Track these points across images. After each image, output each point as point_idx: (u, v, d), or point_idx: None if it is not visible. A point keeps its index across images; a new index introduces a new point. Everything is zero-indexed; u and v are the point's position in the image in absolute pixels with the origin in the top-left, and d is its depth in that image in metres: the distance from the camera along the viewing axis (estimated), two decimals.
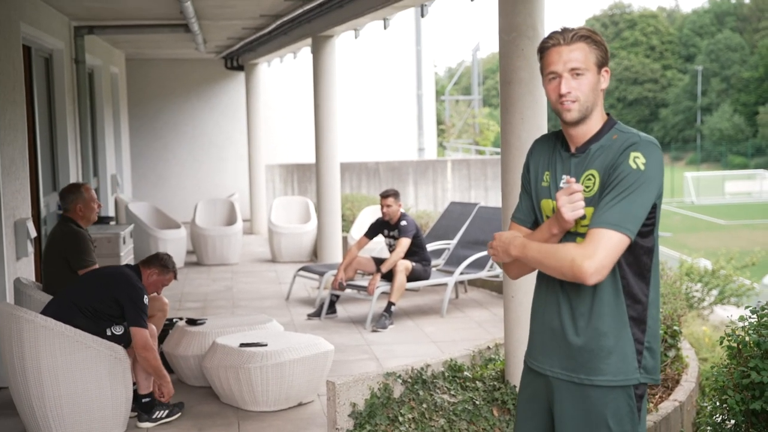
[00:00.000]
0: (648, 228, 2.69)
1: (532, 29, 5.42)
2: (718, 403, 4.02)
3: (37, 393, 5.12)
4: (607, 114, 2.81)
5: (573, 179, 2.74)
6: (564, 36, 2.76)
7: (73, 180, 9.53)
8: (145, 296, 5.38)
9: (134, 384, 5.55)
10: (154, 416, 5.55)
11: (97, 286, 5.37)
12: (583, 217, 2.71)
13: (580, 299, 2.74)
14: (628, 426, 2.72)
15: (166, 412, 5.60)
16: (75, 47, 9.99)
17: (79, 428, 5.23)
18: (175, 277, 5.78)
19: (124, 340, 5.40)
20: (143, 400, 5.55)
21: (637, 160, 2.61)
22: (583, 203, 2.68)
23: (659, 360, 2.77)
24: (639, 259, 2.70)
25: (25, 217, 6.99)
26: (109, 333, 5.35)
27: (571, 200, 2.67)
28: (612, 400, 2.71)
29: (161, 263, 5.66)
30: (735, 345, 4.07)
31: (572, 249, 2.61)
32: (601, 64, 2.77)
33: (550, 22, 10.96)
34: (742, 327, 4.08)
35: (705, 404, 6.66)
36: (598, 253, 2.56)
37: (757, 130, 61.71)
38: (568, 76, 2.74)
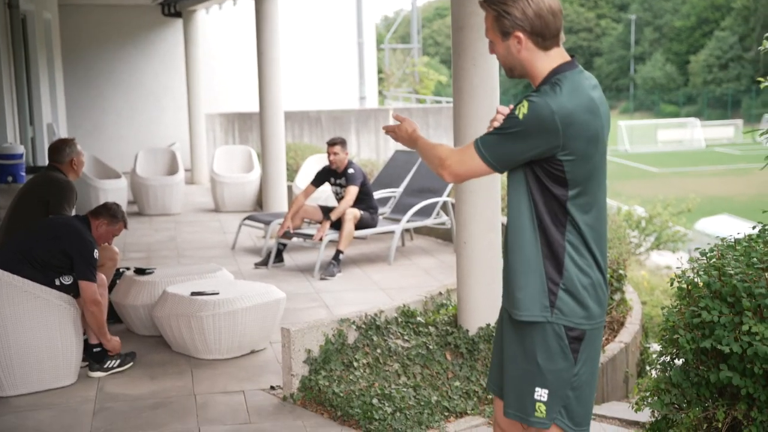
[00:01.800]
0: (557, 176, 2.74)
1: None
2: (667, 343, 4.13)
3: None
4: (572, 56, 2.84)
5: (504, 108, 2.92)
6: (479, 3, 2.85)
7: (9, 129, 9.28)
8: (95, 250, 5.31)
9: (84, 334, 5.50)
10: (105, 366, 5.51)
11: (46, 237, 5.27)
12: None
13: (508, 233, 2.85)
14: (562, 364, 2.79)
15: (118, 361, 5.56)
16: None
17: (30, 379, 5.17)
18: (125, 227, 5.71)
19: (74, 290, 5.33)
20: (94, 350, 5.50)
21: (521, 108, 2.70)
22: (496, 124, 2.86)
23: (590, 308, 2.79)
24: (549, 202, 2.77)
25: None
26: (57, 283, 5.27)
27: (495, 119, 2.91)
28: (539, 336, 2.79)
29: (110, 213, 5.58)
30: (685, 286, 4.16)
31: (446, 150, 2.87)
32: (507, 33, 2.78)
33: None
34: (692, 268, 4.18)
35: (648, 345, 6.86)
36: (455, 161, 2.83)
37: (688, 78, 62.77)
38: (489, 42, 2.87)
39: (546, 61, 2.80)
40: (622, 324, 6.48)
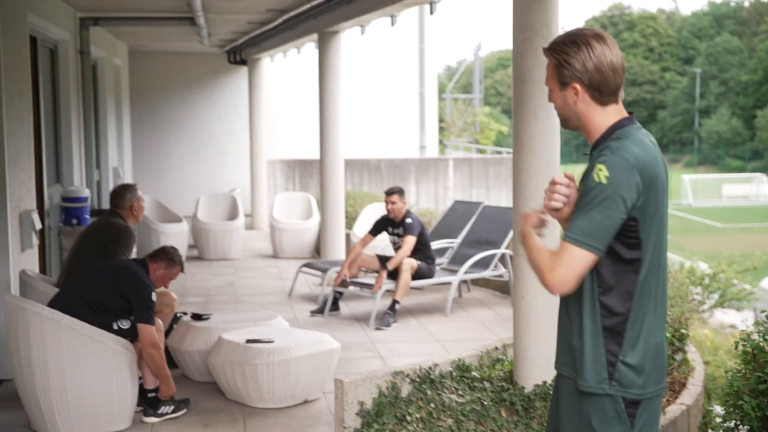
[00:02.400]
0: (629, 238, 2.65)
1: (546, 28, 5.39)
2: (732, 408, 4.00)
3: (42, 386, 5.09)
4: (630, 112, 2.77)
5: (568, 172, 2.78)
6: (543, 50, 2.81)
7: (76, 172, 9.48)
8: (153, 292, 5.36)
9: (140, 378, 5.52)
10: (159, 411, 5.52)
11: (105, 281, 5.34)
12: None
13: (572, 300, 2.75)
14: (617, 429, 2.70)
15: (172, 407, 5.56)
16: (80, 38, 9.94)
17: (85, 422, 5.20)
18: (182, 270, 5.76)
19: (131, 335, 5.37)
20: (149, 395, 5.52)
21: (600, 173, 2.59)
22: (560, 196, 2.71)
23: (648, 378, 2.70)
24: (616, 269, 2.67)
25: (30, 209, 6.94)
26: (115, 327, 5.32)
27: (551, 190, 2.74)
28: (596, 403, 2.71)
29: (168, 257, 5.64)
30: (750, 350, 4.04)
31: (544, 257, 2.66)
32: (565, 83, 2.73)
33: (562, 22, 10.97)
34: (758, 331, 4.06)
35: (711, 408, 6.65)
36: (559, 267, 2.61)
37: (755, 133, 61.78)
38: (549, 90, 2.81)
39: (603, 116, 2.73)
40: (683, 385, 6.29)
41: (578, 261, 2.59)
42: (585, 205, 2.59)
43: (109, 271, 5.42)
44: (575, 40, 2.71)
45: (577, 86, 2.71)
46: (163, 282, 5.70)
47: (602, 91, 2.71)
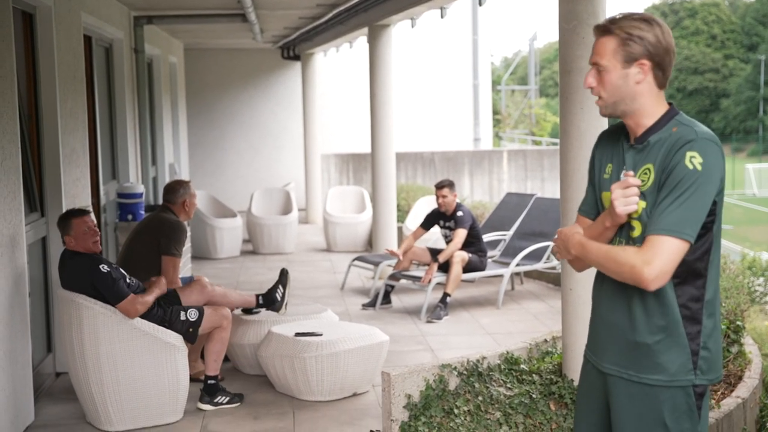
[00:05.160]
0: (707, 224, 2.60)
1: (593, 17, 5.31)
2: None
3: (96, 379, 5.19)
4: (670, 103, 2.70)
5: (632, 173, 2.66)
6: (600, 27, 2.68)
7: (132, 168, 9.64)
8: (101, 265, 5.22)
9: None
10: (215, 400, 5.62)
11: (83, 291, 5.24)
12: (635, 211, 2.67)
13: (635, 294, 2.66)
14: (687, 424, 2.65)
15: (227, 398, 5.66)
16: (134, 37, 10.09)
17: (137, 414, 5.29)
18: (87, 213, 5.42)
19: (199, 324, 5.53)
20: (209, 382, 5.62)
21: (693, 160, 2.51)
22: (637, 198, 2.61)
23: (720, 359, 2.67)
24: (693, 253, 2.61)
25: (86, 205, 7.07)
26: (183, 318, 5.42)
27: (625, 194, 2.61)
28: (668, 398, 2.65)
29: (66, 221, 5.33)
30: None
31: (632, 255, 2.55)
32: (632, 59, 2.61)
33: (609, 11, 10.82)
34: None
35: None
36: (657, 260, 2.50)
37: None
38: (593, 70, 2.67)
39: (658, 101, 2.66)
40: (739, 378, 6.17)
41: (676, 251, 2.52)
42: (679, 195, 2.51)
43: (70, 285, 5.29)
44: (644, 18, 2.63)
45: (647, 63, 2.62)
46: (92, 234, 5.33)
47: (665, 73, 2.65)
